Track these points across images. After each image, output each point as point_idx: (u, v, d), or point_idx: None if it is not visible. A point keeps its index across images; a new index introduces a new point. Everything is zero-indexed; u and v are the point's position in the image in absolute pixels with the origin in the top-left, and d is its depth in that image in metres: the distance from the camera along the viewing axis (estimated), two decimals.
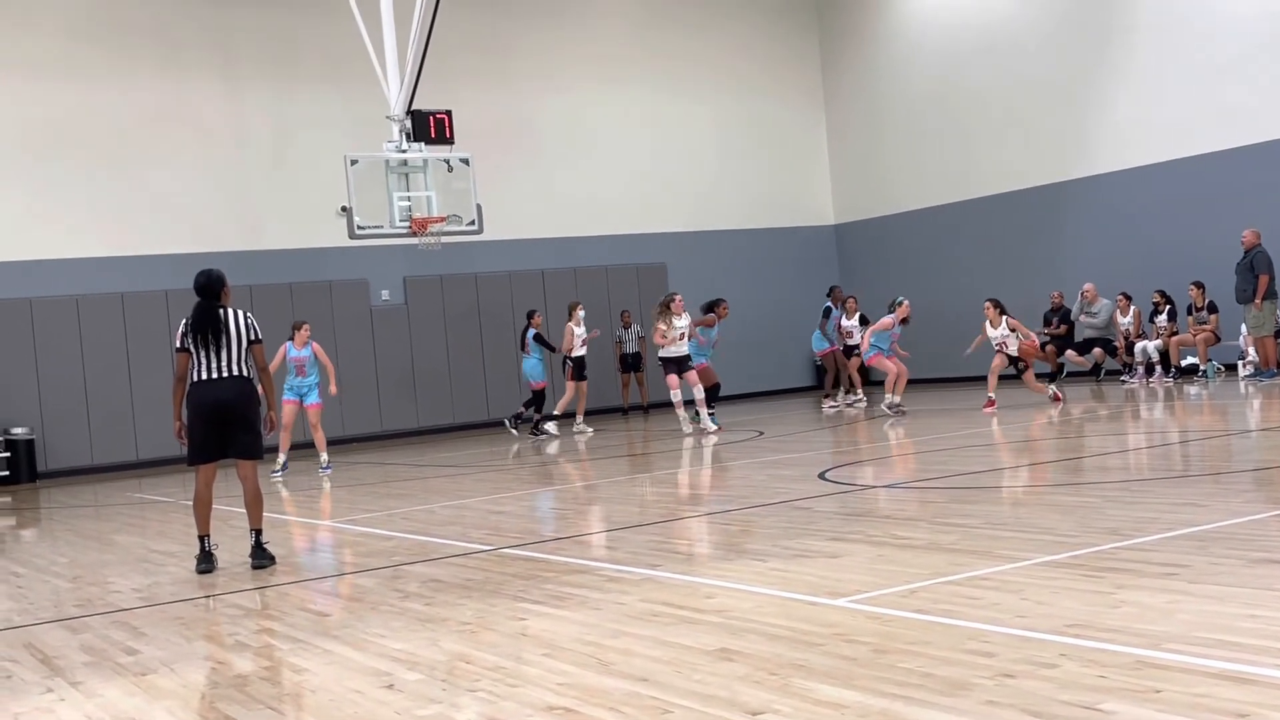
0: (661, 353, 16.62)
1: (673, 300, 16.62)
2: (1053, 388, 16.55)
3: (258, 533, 8.35)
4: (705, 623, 5.46)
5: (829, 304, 19.99)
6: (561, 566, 7.31)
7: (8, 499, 16.64)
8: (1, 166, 19.07)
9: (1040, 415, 14.93)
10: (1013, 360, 16.39)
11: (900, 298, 17.32)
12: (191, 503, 8.42)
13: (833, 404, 19.38)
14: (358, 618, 6.37)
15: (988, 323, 16.44)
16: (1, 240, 18.99)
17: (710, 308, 17.43)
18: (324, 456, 15.41)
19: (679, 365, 16.60)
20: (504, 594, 6.61)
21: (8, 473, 18.34)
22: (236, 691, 5.10)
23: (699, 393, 16.51)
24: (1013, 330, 16.27)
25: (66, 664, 5.91)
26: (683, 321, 16.49)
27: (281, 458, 15.23)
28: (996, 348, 16.41)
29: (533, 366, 18.82)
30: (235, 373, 8.19)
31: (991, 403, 15.89)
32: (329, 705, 4.74)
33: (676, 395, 16.70)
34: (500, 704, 4.52)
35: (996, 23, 22.18)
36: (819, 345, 20.02)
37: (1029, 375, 16.51)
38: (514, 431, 19.14)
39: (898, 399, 16.73)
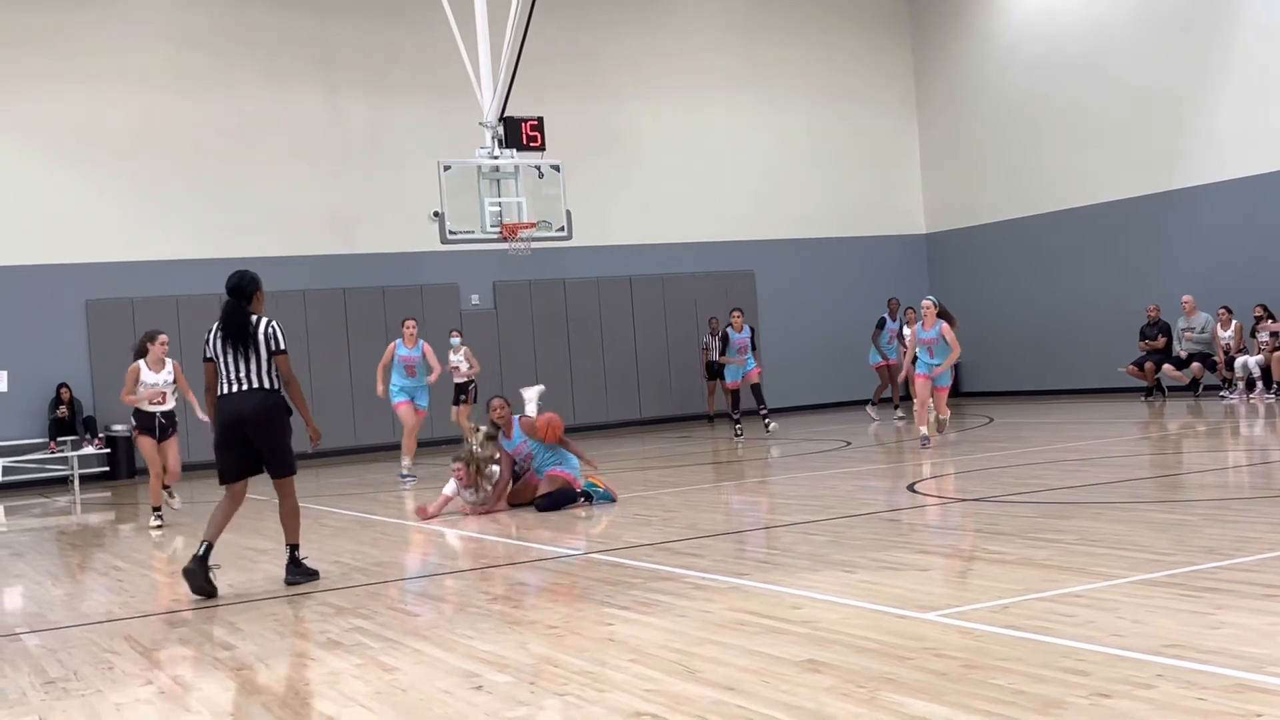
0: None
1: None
2: None
3: (293, 548, 8.08)
4: (792, 633, 5.43)
5: (884, 315, 19.77)
6: (648, 573, 7.32)
7: (108, 494, 17.08)
8: (106, 170, 19.62)
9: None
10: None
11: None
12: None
13: (901, 415, 19.01)
14: (446, 619, 6.43)
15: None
16: (105, 241, 19.53)
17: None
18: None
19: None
20: (591, 599, 6.63)
21: (108, 469, 18.83)
22: (329, 689, 5.18)
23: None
24: None
25: (165, 657, 6.05)
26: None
27: (406, 460, 14.77)
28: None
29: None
30: (257, 384, 7.70)
31: None
32: (419, 705, 4.79)
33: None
34: (587, 708, 4.54)
35: (1092, 32, 21.79)
36: (873, 359, 19.74)
37: None
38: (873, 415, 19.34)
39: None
